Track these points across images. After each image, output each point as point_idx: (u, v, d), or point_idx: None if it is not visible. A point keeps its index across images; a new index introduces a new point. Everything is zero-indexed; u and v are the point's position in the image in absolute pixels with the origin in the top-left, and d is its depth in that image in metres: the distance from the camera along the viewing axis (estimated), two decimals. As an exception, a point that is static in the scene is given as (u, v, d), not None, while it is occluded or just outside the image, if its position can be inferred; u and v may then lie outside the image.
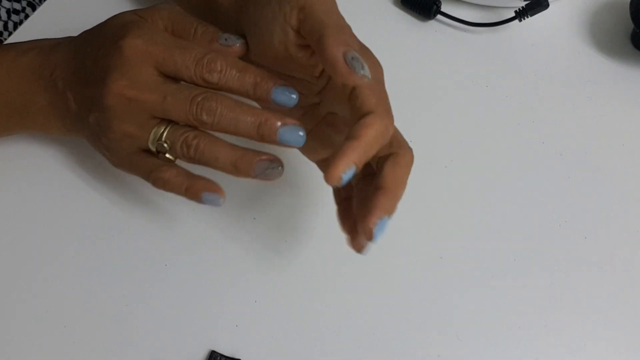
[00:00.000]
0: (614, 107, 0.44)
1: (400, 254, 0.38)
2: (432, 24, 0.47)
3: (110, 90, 0.32)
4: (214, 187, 0.32)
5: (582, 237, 0.39)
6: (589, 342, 0.36)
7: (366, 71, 0.28)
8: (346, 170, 0.27)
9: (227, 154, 0.31)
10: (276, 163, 0.31)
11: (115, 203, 0.39)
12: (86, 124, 0.34)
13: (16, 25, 0.50)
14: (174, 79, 0.32)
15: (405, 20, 0.46)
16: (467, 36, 0.46)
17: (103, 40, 0.33)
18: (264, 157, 0.31)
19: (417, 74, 0.45)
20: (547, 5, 0.43)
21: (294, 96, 0.31)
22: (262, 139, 0.31)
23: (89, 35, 0.35)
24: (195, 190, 0.32)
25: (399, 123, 0.30)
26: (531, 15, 0.44)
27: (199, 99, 0.31)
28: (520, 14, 0.44)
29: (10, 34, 0.48)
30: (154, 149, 0.33)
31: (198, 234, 0.38)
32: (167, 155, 0.32)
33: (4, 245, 0.38)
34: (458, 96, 0.44)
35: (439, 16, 0.46)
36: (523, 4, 0.44)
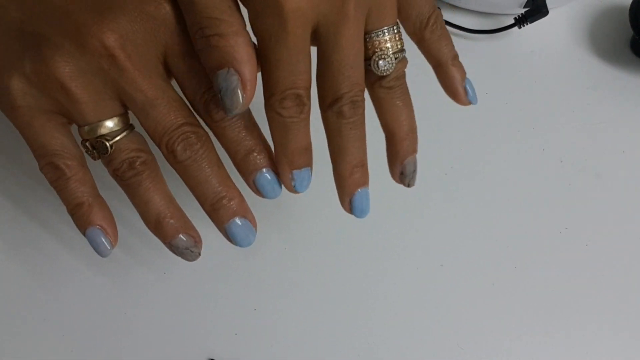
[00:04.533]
0: (614, 113, 0.44)
1: (400, 262, 0.38)
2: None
3: (100, 28, 0.22)
4: (112, 228, 0.26)
5: (584, 245, 0.39)
6: (591, 349, 0.36)
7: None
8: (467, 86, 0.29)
9: (160, 205, 0.26)
10: (198, 249, 0.27)
11: (113, 211, 0.39)
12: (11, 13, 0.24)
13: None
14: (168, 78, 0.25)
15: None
16: (467, 43, 0.46)
17: None
18: (193, 233, 0.26)
19: (416, 81, 0.44)
20: (546, 12, 0.43)
21: (277, 191, 0.27)
22: (210, 212, 0.26)
23: None
24: (88, 216, 0.26)
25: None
26: (531, 22, 0.44)
27: (188, 128, 0.25)
28: (520, 21, 0.44)
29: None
30: (87, 135, 0.25)
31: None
32: (94, 152, 0.25)
33: None
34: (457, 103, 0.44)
35: (438, 23, 0.46)
36: (522, 11, 0.44)
